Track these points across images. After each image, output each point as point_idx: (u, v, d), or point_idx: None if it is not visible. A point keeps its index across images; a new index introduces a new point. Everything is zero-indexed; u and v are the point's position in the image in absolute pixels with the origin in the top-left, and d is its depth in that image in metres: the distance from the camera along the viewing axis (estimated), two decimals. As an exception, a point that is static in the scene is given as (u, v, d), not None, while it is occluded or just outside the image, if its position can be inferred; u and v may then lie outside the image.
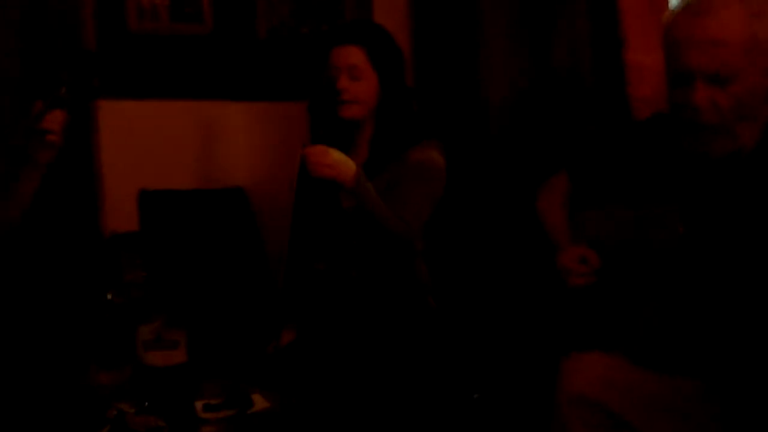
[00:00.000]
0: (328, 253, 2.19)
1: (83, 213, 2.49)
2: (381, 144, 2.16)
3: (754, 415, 1.56)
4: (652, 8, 2.39)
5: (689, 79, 1.56)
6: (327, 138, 2.06)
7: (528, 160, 2.52)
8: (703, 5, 1.54)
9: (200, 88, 2.73)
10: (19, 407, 1.75)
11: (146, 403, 1.67)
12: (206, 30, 2.72)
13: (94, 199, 2.53)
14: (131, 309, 1.84)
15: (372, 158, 2.17)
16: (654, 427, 1.59)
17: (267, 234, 2.66)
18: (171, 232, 2.46)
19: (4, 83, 2.37)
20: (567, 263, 1.69)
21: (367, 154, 2.19)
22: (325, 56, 2.17)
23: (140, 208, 2.51)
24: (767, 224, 1.55)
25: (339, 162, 2.00)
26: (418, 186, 2.10)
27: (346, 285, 2.15)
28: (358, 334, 2.07)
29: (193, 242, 2.45)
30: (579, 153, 1.95)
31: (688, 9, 1.57)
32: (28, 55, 2.40)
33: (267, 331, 2.21)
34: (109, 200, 2.57)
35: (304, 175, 2.04)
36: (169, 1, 2.67)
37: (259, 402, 1.77)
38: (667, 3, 2.38)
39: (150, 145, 2.66)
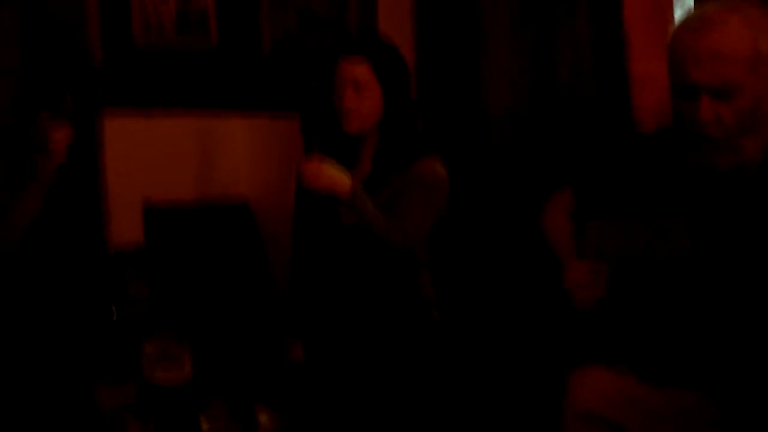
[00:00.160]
0: (330, 269, 2.19)
1: (88, 228, 2.49)
2: (384, 157, 2.16)
3: (759, 429, 1.55)
4: (655, 18, 2.39)
5: (694, 93, 1.56)
6: (324, 151, 2.06)
7: (529, 171, 2.52)
8: (707, 20, 1.55)
9: (206, 101, 2.74)
10: (24, 423, 1.76)
11: (152, 425, 1.66)
12: (211, 44, 2.73)
13: (99, 214, 2.54)
14: (136, 325, 1.85)
15: (375, 171, 2.17)
16: (659, 441, 1.58)
17: (272, 249, 2.66)
18: (176, 248, 2.47)
19: (7, 100, 2.39)
20: (576, 278, 1.68)
21: (370, 167, 2.18)
22: (331, 69, 2.17)
23: (145, 225, 2.51)
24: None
25: (334, 175, 2.00)
26: (421, 198, 2.10)
27: (349, 300, 2.14)
28: (362, 349, 2.07)
29: (198, 258, 2.46)
30: (583, 167, 1.94)
31: (692, 24, 1.57)
32: (33, 70, 2.42)
33: (273, 347, 2.21)
34: (114, 214, 2.58)
35: (302, 189, 2.04)
36: (175, 15, 2.68)
37: (264, 419, 1.77)
38: (671, 13, 2.38)
39: (155, 158, 2.67)
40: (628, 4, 2.39)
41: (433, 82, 2.80)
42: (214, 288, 2.42)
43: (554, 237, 1.88)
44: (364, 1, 2.84)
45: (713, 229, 1.64)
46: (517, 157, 2.57)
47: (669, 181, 1.72)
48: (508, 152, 2.58)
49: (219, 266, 2.49)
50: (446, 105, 2.75)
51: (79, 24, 2.49)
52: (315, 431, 1.82)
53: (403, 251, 2.07)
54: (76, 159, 1.93)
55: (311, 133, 2.06)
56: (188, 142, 2.73)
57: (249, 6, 2.76)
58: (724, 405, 1.59)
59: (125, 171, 2.60)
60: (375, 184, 2.11)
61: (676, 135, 1.68)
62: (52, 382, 1.93)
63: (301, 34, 2.82)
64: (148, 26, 2.65)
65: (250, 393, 1.89)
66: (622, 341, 1.70)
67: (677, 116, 1.65)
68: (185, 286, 2.30)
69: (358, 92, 2.11)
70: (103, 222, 2.55)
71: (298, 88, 2.77)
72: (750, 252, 1.58)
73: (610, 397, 1.60)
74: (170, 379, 1.68)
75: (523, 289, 2.44)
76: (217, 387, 1.84)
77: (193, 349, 1.70)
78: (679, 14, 2.39)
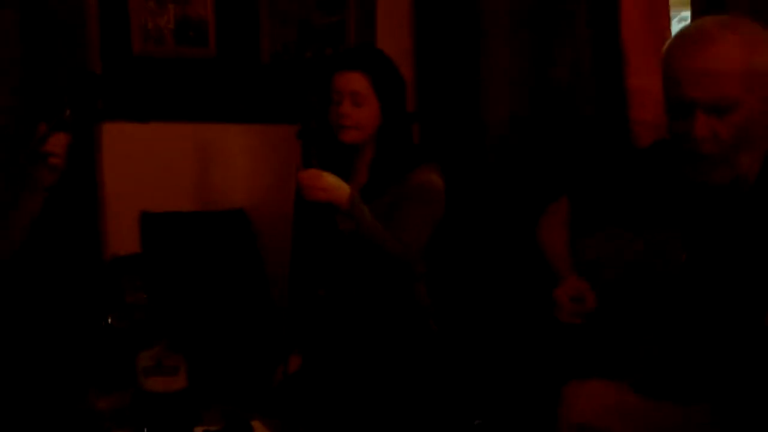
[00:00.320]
0: (328, 279, 2.19)
1: (85, 235, 2.49)
2: (381, 168, 2.17)
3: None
4: (653, 33, 2.40)
5: (689, 109, 1.56)
6: (322, 161, 2.07)
7: (528, 176, 2.53)
8: (701, 36, 1.54)
9: (204, 111, 2.75)
10: (19, 430, 1.75)
11: (145, 430, 1.66)
12: (210, 54, 2.74)
13: (96, 222, 2.54)
14: (132, 333, 1.84)
15: (372, 182, 2.18)
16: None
17: (268, 256, 2.66)
18: (172, 255, 2.47)
19: (8, 101, 2.39)
20: (560, 298, 1.69)
21: (366, 177, 2.19)
22: (328, 81, 2.18)
23: (142, 231, 2.51)
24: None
25: (332, 185, 2.01)
26: (418, 208, 2.10)
27: (347, 310, 2.15)
28: (360, 357, 2.07)
29: (194, 265, 2.45)
30: (581, 179, 1.95)
31: (686, 39, 1.57)
32: (32, 79, 2.42)
33: (270, 357, 2.21)
34: (110, 222, 2.58)
35: (300, 199, 2.05)
36: (174, 24, 2.69)
37: (259, 430, 1.77)
38: (668, 27, 2.39)
39: (153, 167, 2.67)
40: (626, 10, 2.40)
41: (433, 83, 2.81)
42: (211, 295, 2.42)
43: (550, 249, 1.88)
44: (362, 12, 2.85)
45: (708, 243, 1.64)
46: (517, 161, 2.57)
47: (665, 195, 1.72)
48: (508, 154, 2.58)
49: (215, 272, 2.49)
50: (446, 117, 2.76)
51: (79, 24, 2.50)
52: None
53: (400, 261, 2.07)
54: (73, 167, 1.92)
55: (309, 144, 2.06)
56: (185, 151, 2.74)
57: (248, 17, 2.77)
58: (720, 418, 1.59)
59: (123, 179, 2.60)
60: (372, 194, 2.12)
61: (672, 149, 1.69)
62: (47, 389, 1.92)
63: (300, 46, 2.83)
64: (147, 35, 2.67)
65: (245, 402, 1.89)
66: (617, 354, 1.70)
67: (673, 133, 1.65)
68: (181, 292, 2.30)
69: (355, 105, 2.13)
70: (100, 229, 2.55)
71: (297, 100, 2.78)
72: (745, 266, 1.58)
73: (605, 409, 1.60)
74: (165, 388, 1.67)
75: (520, 300, 2.44)
76: (212, 396, 1.84)
77: (188, 357, 1.70)
78: (675, 28, 2.41)
